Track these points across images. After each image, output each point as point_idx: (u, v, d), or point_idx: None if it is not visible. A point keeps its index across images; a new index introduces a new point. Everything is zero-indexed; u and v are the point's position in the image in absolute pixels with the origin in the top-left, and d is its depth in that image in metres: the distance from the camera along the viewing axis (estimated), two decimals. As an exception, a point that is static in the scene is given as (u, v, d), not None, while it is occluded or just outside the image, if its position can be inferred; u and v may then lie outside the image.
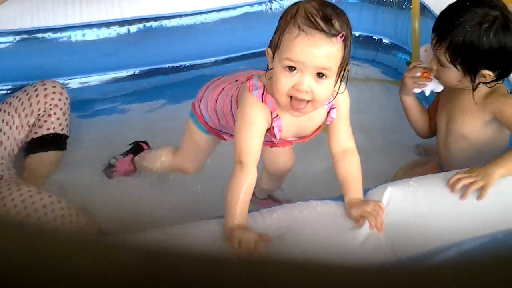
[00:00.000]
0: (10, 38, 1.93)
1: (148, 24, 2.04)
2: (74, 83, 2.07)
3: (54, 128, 1.77)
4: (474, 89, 1.56)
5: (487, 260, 0.40)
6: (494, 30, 1.49)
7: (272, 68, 1.32)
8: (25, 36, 1.93)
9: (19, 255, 0.37)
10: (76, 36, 1.97)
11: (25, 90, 1.78)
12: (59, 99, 1.78)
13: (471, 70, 1.53)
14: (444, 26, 1.55)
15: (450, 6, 1.59)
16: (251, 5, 2.16)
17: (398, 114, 2.02)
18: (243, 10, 2.16)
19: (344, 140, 1.44)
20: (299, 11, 1.28)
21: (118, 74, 2.12)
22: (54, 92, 1.78)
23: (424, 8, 2.20)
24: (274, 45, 1.31)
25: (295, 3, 1.32)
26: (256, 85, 1.38)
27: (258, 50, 2.28)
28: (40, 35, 1.94)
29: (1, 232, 0.39)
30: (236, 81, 1.51)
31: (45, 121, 1.76)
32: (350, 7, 2.34)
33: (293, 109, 1.32)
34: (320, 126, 1.47)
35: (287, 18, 1.29)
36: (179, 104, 2.11)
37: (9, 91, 2.02)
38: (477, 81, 1.55)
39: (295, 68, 1.27)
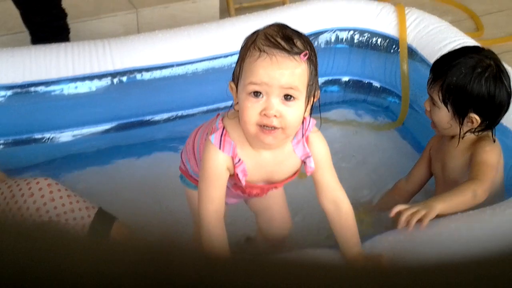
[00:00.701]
0: (2, 93, 1.93)
1: (139, 75, 2.05)
2: (66, 136, 2.07)
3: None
4: (462, 136, 1.60)
5: (487, 260, 0.40)
6: (486, 76, 1.56)
7: (237, 103, 1.26)
8: (18, 90, 1.94)
9: (19, 255, 0.37)
10: (69, 88, 1.98)
11: (18, 184, 1.61)
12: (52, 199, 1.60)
13: (460, 112, 1.59)
14: (440, 67, 1.63)
15: (450, 52, 1.69)
16: (242, 53, 2.18)
17: (386, 156, 2.03)
18: (234, 58, 2.18)
19: (332, 192, 1.34)
20: (259, 35, 1.24)
21: (110, 125, 2.12)
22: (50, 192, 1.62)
23: (412, 52, 2.24)
24: (236, 76, 1.26)
25: (254, 31, 1.28)
26: (217, 127, 1.31)
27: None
28: (32, 88, 1.95)
29: (1, 232, 0.39)
30: (211, 121, 1.43)
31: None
32: (339, 52, 2.37)
33: (263, 138, 1.22)
34: (295, 173, 1.37)
35: (247, 45, 1.24)
36: (172, 153, 2.11)
37: (1, 146, 2.01)
38: (464, 125, 1.59)
39: (260, 93, 1.20)
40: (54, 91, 1.97)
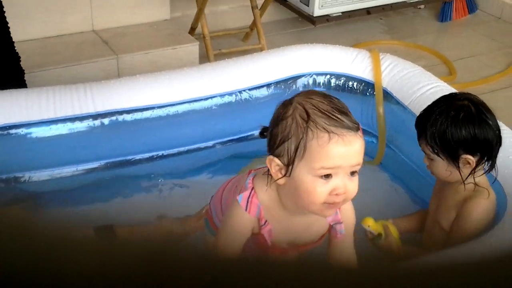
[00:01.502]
0: (-16, 135, 1.94)
1: (121, 117, 2.07)
2: (44, 175, 2.06)
3: None
4: (464, 180, 1.63)
5: (488, 260, 0.41)
6: (461, 118, 1.59)
7: (281, 177, 1.22)
8: (-1, 132, 1.95)
9: (19, 255, 0.37)
10: (50, 130, 1.99)
11: None
12: None
13: (452, 157, 1.61)
14: (421, 122, 1.68)
15: (428, 106, 1.72)
16: (222, 95, 2.23)
17: (368, 194, 2.06)
18: (214, 101, 2.22)
19: (345, 259, 1.32)
20: (310, 112, 1.18)
21: (90, 166, 2.12)
22: None
23: (387, 95, 2.30)
24: (291, 156, 1.19)
25: (287, 104, 1.23)
26: (246, 186, 1.28)
27: (229, 138, 2.33)
28: (13, 131, 1.96)
29: (1, 232, 0.39)
30: (242, 176, 1.41)
31: None
32: (316, 95, 2.42)
33: (327, 212, 1.23)
34: (322, 236, 1.37)
35: (297, 121, 1.19)
36: (152, 192, 2.12)
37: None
38: (463, 168, 1.62)
39: (330, 175, 1.18)
40: (35, 132, 1.98)
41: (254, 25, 3.42)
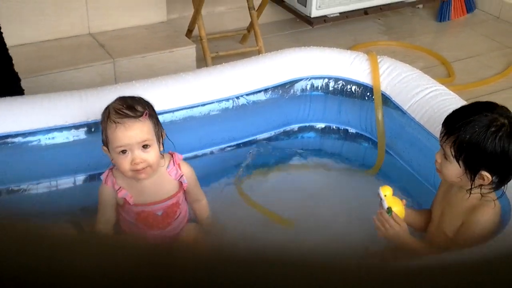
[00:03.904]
0: (-22, 144, 1.92)
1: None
2: (42, 187, 2.05)
3: None
4: (470, 191, 1.61)
5: (488, 260, 0.40)
6: (499, 135, 1.56)
7: (112, 159, 1.74)
8: (-6, 141, 1.92)
9: (20, 255, 0.37)
10: (46, 139, 1.97)
11: None
12: None
13: (472, 169, 1.59)
14: (454, 122, 1.62)
15: (463, 107, 1.69)
16: (219, 101, 2.21)
17: (361, 202, 2.05)
18: (212, 106, 2.20)
19: (195, 196, 1.93)
20: (110, 111, 1.71)
21: (87, 175, 2.10)
22: None
23: (386, 99, 2.28)
24: (105, 141, 1.73)
25: (106, 107, 1.74)
26: (107, 171, 1.83)
27: (227, 144, 2.31)
28: (9, 140, 1.93)
29: (1, 232, 0.39)
30: None
31: None
32: (314, 99, 2.41)
33: (139, 176, 1.72)
34: (177, 192, 1.86)
35: (105, 119, 1.72)
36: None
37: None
38: (476, 181, 1.60)
39: (126, 151, 1.69)
40: (31, 141, 1.96)
41: (251, 26, 3.40)
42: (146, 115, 1.71)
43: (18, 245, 0.38)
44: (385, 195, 1.72)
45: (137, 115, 1.70)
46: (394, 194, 1.77)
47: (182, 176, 1.85)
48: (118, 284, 0.36)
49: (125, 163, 1.70)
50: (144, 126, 1.70)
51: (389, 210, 1.71)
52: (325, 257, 0.42)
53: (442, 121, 1.68)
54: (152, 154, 1.72)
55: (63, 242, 0.40)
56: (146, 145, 1.70)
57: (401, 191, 2.16)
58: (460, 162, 1.60)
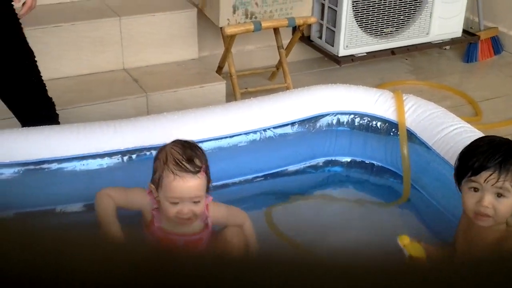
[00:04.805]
0: (17, 169, 2.01)
1: (148, 153, 2.13)
2: (75, 208, 2.12)
3: None
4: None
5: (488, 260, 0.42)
6: None
7: (157, 196, 1.76)
8: (32, 167, 2.01)
9: (20, 255, 0.37)
10: (81, 165, 2.06)
11: None
12: None
13: None
14: (499, 156, 1.63)
15: (479, 144, 1.73)
16: (247, 133, 2.27)
17: (390, 233, 2.06)
18: (240, 138, 2.27)
19: (236, 223, 1.92)
20: (169, 158, 1.72)
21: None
22: None
23: (411, 135, 2.32)
24: (156, 184, 1.75)
25: (162, 148, 1.78)
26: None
27: (255, 175, 2.36)
28: (45, 165, 2.02)
29: (1, 232, 0.40)
30: None
31: None
32: (340, 134, 2.46)
33: (181, 223, 1.76)
34: (202, 231, 1.86)
35: (161, 163, 1.73)
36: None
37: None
38: None
39: (177, 202, 1.72)
40: (66, 167, 2.05)
41: (280, 64, 3.48)
42: (203, 171, 1.74)
43: (20, 245, 0.38)
44: (404, 245, 1.74)
45: (195, 171, 1.71)
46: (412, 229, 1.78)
47: (207, 218, 1.87)
48: (117, 284, 0.36)
49: (173, 211, 1.73)
50: (200, 184, 1.73)
51: (411, 258, 1.73)
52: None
53: (477, 164, 1.65)
54: (200, 206, 1.75)
55: (64, 242, 0.40)
56: (197, 201, 1.74)
57: (424, 225, 2.18)
58: None
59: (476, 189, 1.65)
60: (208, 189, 1.80)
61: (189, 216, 1.73)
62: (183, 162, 1.70)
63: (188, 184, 1.70)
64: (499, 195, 1.63)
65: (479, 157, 1.65)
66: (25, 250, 0.38)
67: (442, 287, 0.39)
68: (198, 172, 1.71)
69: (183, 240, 1.89)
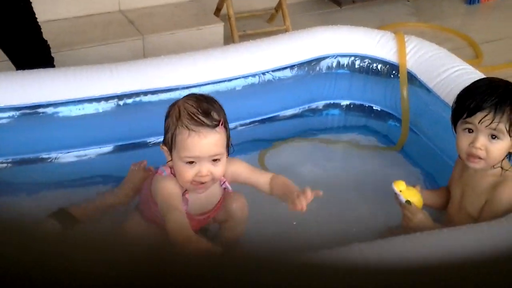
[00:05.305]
0: (11, 113, 1.99)
1: (145, 98, 2.10)
2: (71, 156, 2.11)
3: None
4: (501, 165, 1.64)
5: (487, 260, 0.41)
6: None
7: (170, 160, 1.56)
8: (27, 111, 1.99)
9: (20, 255, 0.37)
10: (77, 110, 2.04)
11: None
12: None
13: None
14: (496, 97, 1.61)
15: (478, 84, 1.71)
16: (245, 77, 2.24)
17: (387, 178, 2.07)
18: (238, 82, 2.24)
19: (265, 180, 1.67)
20: (182, 113, 1.51)
21: (114, 146, 2.16)
22: None
23: (411, 77, 2.29)
24: (169, 144, 1.54)
25: (174, 104, 1.56)
26: (163, 170, 1.60)
27: (252, 119, 2.35)
28: (41, 110, 2.00)
29: (1, 232, 0.40)
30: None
31: None
32: (340, 77, 2.42)
33: (198, 189, 1.56)
34: (218, 203, 1.69)
35: (173, 120, 1.52)
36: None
37: (9, 165, 2.06)
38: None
39: (194, 162, 1.51)
40: (61, 111, 2.02)
41: (279, 6, 3.41)
42: (222, 124, 1.53)
43: (15, 245, 0.38)
44: (400, 191, 1.73)
45: (213, 124, 1.50)
46: (409, 176, 1.78)
47: (225, 182, 1.67)
48: (116, 284, 0.36)
49: (189, 173, 1.52)
50: (219, 139, 1.52)
51: (408, 202, 1.72)
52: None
53: (474, 105, 1.63)
54: (220, 168, 1.55)
55: (63, 242, 0.40)
56: (217, 158, 1.53)
57: (421, 169, 2.18)
58: None
59: (470, 130, 1.64)
60: (228, 147, 1.58)
61: (208, 179, 1.53)
62: (199, 116, 1.49)
63: (205, 140, 1.49)
64: (493, 136, 1.61)
65: (476, 97, 1.64)
66: (25, 250, 0.38)
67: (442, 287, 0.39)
68: (216, 126, 1.50)
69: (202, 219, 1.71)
